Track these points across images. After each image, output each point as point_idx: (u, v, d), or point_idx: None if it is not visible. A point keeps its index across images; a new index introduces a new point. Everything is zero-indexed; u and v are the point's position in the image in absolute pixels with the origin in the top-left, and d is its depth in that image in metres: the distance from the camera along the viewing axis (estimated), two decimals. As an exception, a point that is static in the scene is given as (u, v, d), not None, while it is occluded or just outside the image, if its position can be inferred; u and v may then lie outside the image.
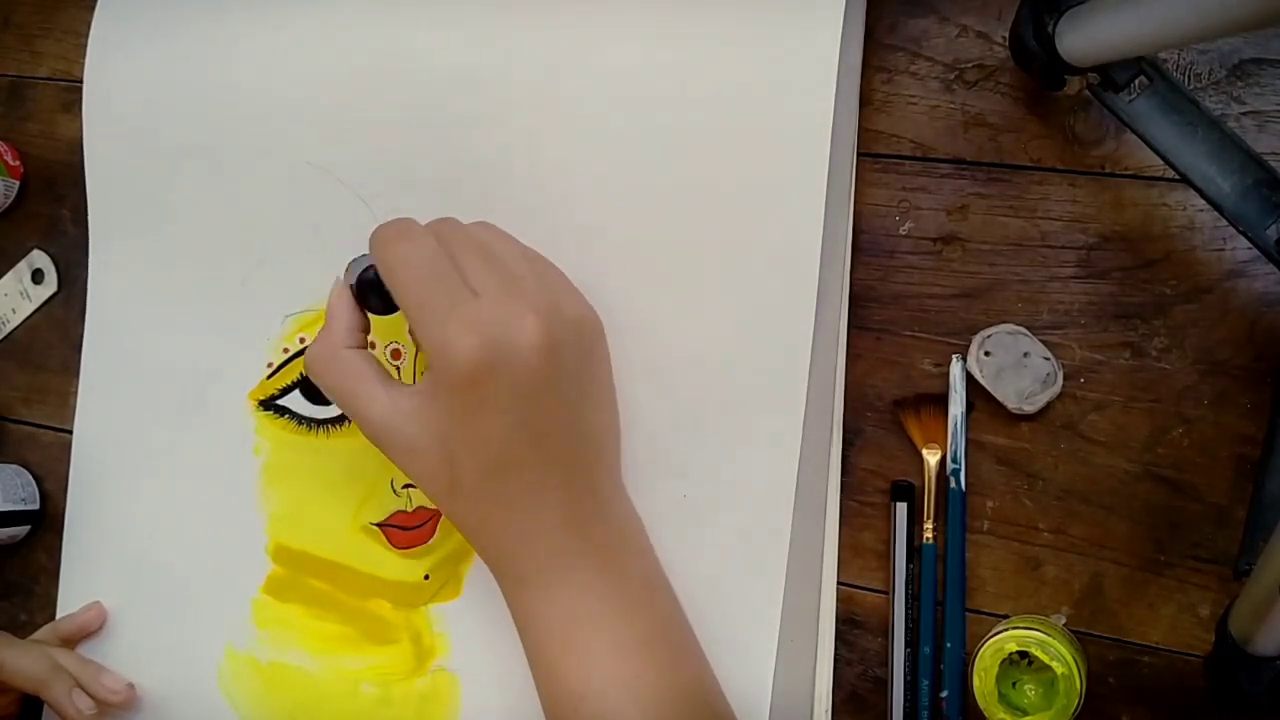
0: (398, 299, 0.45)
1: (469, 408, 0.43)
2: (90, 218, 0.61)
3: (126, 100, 0.59)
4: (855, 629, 0.54)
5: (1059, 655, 0.48)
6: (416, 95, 0.54)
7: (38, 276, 0.65)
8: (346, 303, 0.48)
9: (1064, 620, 0.51)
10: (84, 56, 0.60)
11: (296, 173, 0.56)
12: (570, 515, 0.46)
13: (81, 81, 0.60)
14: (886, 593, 0.53)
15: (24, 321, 0.66)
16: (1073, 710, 0.48)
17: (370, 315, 0.49)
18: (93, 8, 0.61)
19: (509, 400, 0.43)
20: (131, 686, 0.58)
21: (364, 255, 0.48)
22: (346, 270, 0.49)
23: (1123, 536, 0.50)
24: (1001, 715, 0.49)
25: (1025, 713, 0.49)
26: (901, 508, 0.52)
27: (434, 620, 0.55)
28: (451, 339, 0.42)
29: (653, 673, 0.45)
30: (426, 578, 0.55)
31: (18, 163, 0.65)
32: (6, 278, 0.66)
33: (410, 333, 0.44)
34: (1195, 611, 0.50)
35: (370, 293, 0.47)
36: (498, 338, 0.42)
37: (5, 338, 0.67)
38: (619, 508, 0.49)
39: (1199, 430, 0.50)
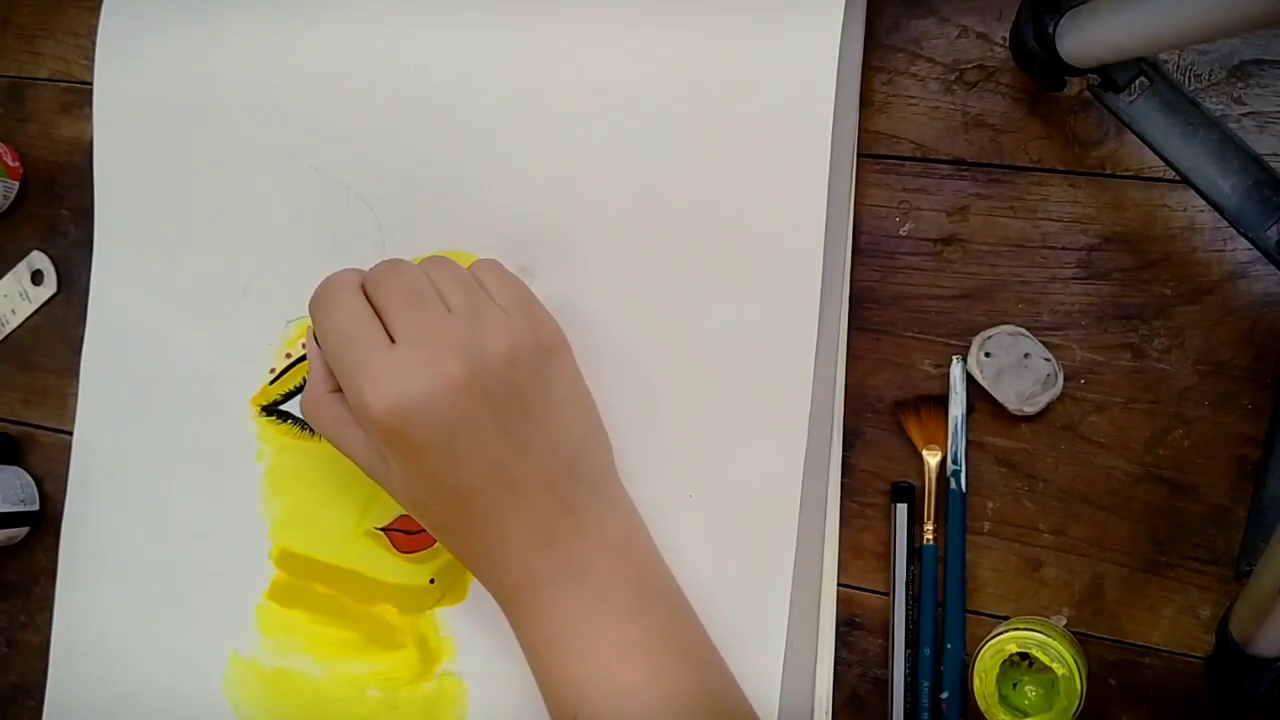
0: (328, 361, 0.47)
1: (403, 455, 0.45)
2: (96, 220, 0.61)
3: (133, 103, 0.59)
4: (855, 630, 0.54)
5: (1059, 656, 0.48)
6: (420, 100, 0.54)
7: (37, 278, 0.65)
8: (317, 349, 0.49)
9: (1065, 621, 0.51)
10: (84, 58, 0.60)
11: (301, 177, 0.56)
12: (544, 537, 0.46)
13: (82, 83, 0.61)
14: (887, 594, 0.53)
15: (23, 323, 0.66)
16: (1073, 711, 0.48)
17: None
18: (94, 9, 0.61)
19: (438, 441, 0.44)
20: None
21: None
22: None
23: (1123, 537, 0.50)
24: (1002, 716, 0.49)
25: (1026, 714, 0.49)
26: (902, 509, 0.52)
27: (440, 624, 0.55)
28: (365, 396, 0.44)
29: (647, 683, 0.45)
30: (432, 582, 0.55)
31: (17, 164, 0.65)
32: (6, 279, 0.66)
33: None
34: (1196, 613, 0.50)
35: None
36: (406, 388, 0.43)
37: (4, 339, 0.66)
38: (609, 518, 0.48)
39: (1199, 431, 0.50)
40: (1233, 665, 0.44)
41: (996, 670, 0.49)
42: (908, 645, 0.52)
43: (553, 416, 0.47)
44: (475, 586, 0.54)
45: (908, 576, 0.52)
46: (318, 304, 0.47)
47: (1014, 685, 0.50)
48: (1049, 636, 0.48)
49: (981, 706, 0.49)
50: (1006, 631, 0.49)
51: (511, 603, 0.47)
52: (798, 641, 0.51)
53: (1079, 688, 0.48)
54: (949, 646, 0.52)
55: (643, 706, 0.44)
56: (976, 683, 0.49)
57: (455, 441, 0.44)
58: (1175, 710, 0.50)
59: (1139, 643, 0.50)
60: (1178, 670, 0.50)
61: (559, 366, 0.48)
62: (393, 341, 0.45)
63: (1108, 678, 0.51)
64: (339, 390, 0.48)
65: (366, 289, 0.47)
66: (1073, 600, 0.51)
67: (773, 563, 0.49)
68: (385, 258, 0.49)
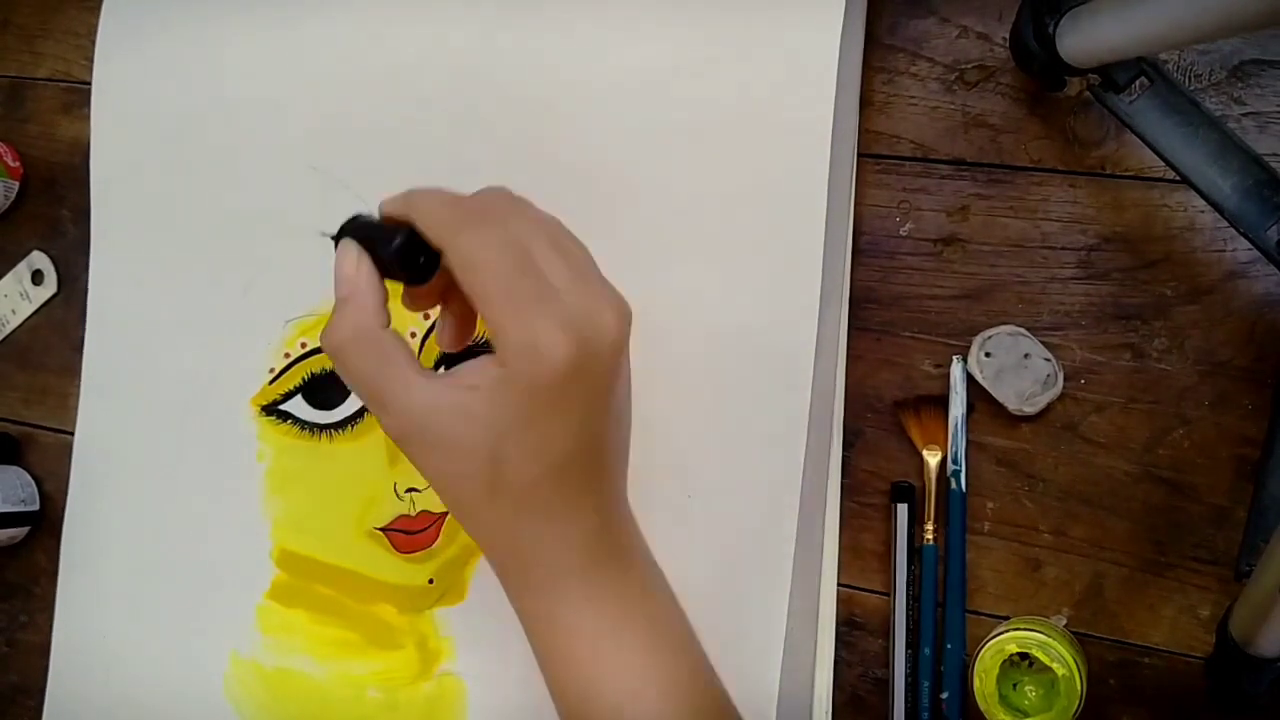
0: (476, 288, 0.40)
1: (545, 408, 0.40)
2: (93, 220, 0.61)
3: (132, 103, 0.59)
4: (855, 630, 0.54)
5: (1060, 656, 0.48)
6: (419, 99, 0.54)
7: (37, 278, 0.65)
8: (370, 275, 0.42)
9: (1064, 621, 0.51)
10: (84, 58, 0.60)
11: (299, 176, 0.56)
12: (603, 522, 0.44)
13: (82, 83, 0.61)
14: (887, 594, 0.53)
15: (24, 322, 0.66)
16: (1073, 711, 0.48)
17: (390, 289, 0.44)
18: (94, 9, 0.61)
19: (585, 401, 0.41)
20: None
21: (359, 217, 0.43)
22: (342, 233, 0.43)
23: (1123, 538, 0.50)
24: (1002, 717, 0.49)
25: (1026, 714, 0.49)
26: (902, 509, 0.52)
27: (439, 624, 0.55)
28: (541, 336, 0.39)
29: (659, 683, 0.45)
30: (431, 582, 0.55)
31: (17, 164, 0.65)
32: (6, 279, 0.66)
33: (487, 324, 0.41)
34: (1196, 613, 0.50)
35: (401, 263, 0.42)
36: (587, 336, 0.40)
37: (5, 339, 0.66)
38: (630, 512, 0.48)
39: (1199, 431, 0.50)
40: (1233, 665, 0.44)
41: (997, 670, 0.49)
42: (908, 645, 0.52)
43: (623, 406, 0.45)
44: (474, 587, 0.54)
45: (909, 576, 0.52)
46: (464, 231, 0.41)
47: (1014, 685, 0.50)
48: (1049, 636, 0.48)
49: (982, 707, 0.49)
50: (1007, 632, 0.49)
51: (536, 590, 0.44)
52: (797, 642, 0.51)
53: (1079, 688, 0.48)
54: (949, 646, 0.52)
55: (658, 708, 0.44)
56: (977, 683, 0.49)
57: (599, 401, 0.41)
58: (1175, 710, 0.50)
59: (1139, 643, 0.50)
60: (1178, 670, 0.50)
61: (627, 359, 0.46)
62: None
63: (1108, 678, 0.51)
64: (388, 325, 0.42)
65: (505, 224, 0.42)
66: (1073, 600, 0.51)
67: (772, 563, 0.49)
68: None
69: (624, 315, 0.41)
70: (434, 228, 0.41)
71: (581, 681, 0.45)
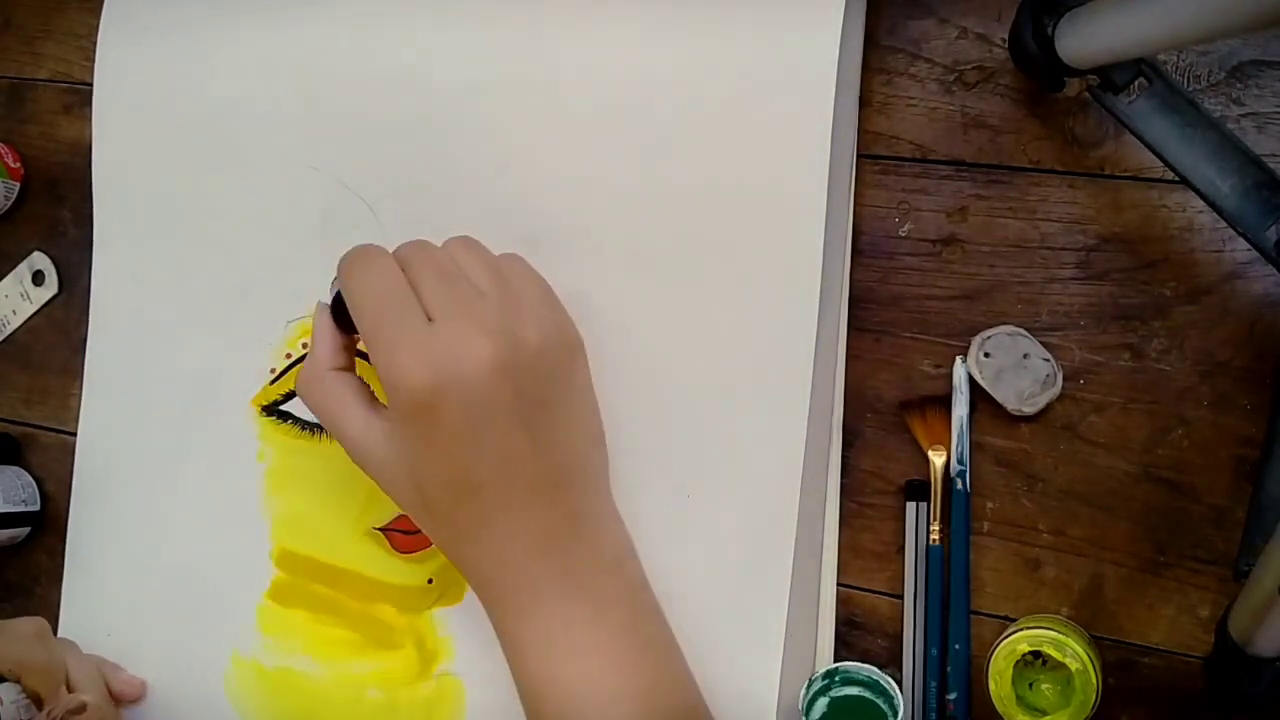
0: (357, 326, 0.45)
1: (427, 434, 0.44)
2: (95, 221, 0.61)
3: (132, 103, 0.59)
4: (855, 630, 0.54)
5: (1073, 652, 0.47)
6: (419, 99, 0.54)
7: (38, 278, 0.65)
8: (327, 324, 0.48)
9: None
10: (85, 59, 0.60)
11: (301, 177, 0.56)
12: (544, 540, 0.45)
13: (82, 84, 0.61)
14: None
15: (24, 323, 0.66)
16: (1090, 705, 0.47)
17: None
18: (94, 10, 0.61)
19: (464, 425, 0.43)
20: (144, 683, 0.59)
21: None
22: (330, 290, 0.49)
23: (1122, 537, 0.51)
24: (1021, 718, 0.48)
25: (1044, 713, 0.48)
26: (916, 507, 0.52)
27: (438, 624, 0.55)
28: (401, 366, 0.43)
29: (630, 698, 0.45)
30: (430, 582, 0.55)
31: (18, 164, 0.65)
32: (7, 280, 0.66)
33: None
34: (1195, 612, 0.50)
35: (334, 316, 0.49)
36: (446, 364, 0.43)
37: (6, 339, 0.67)
38: (604, 528, 0.48)
39: (1199, 431, 0.50)
40: (1232, 665, 0.44)
41: (1010, 671, 0.48)
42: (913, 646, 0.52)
43: (568, 418, 0.47)
44: (473, 587, 0.54)
45: (925, 575, 0.52)
46: (354, 268, 0.46)
47: (1030, 685, 0.50)
48: (1060, 633, 0.48)
49: (1000, 709, 0.48)
50: (1017, 631, 0.49)
51: (500, 603, 0.47)
52: (797, 642, 0.51)
53: (1094, 681, 0.47)
54: (955, 647, 0.51)
55: (631, 715, 0.44)
56: (992, 685, 0.49)
57: (480, 427, 0.43)
58: (1174, 710, 0.50)
59: (1138, 642, 0.51)
60: (1177, 670, 0.50)
61: (578, 368, 0.48)
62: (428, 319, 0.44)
63: (1107, 677, 0.51)
64: (343, 369, 0.48)
65: (396, 263, 0.46)
66: (1072, 600, 0.51)
67: (772, 562, 0.49)
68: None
69: (502, 343, 0.43)
70: (338, 274, 0.47)
71: (529, 699, 0.46)
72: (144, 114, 0.59)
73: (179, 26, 0.59)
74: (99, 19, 0.60)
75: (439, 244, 0.48)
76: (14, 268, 0.66)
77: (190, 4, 0.59)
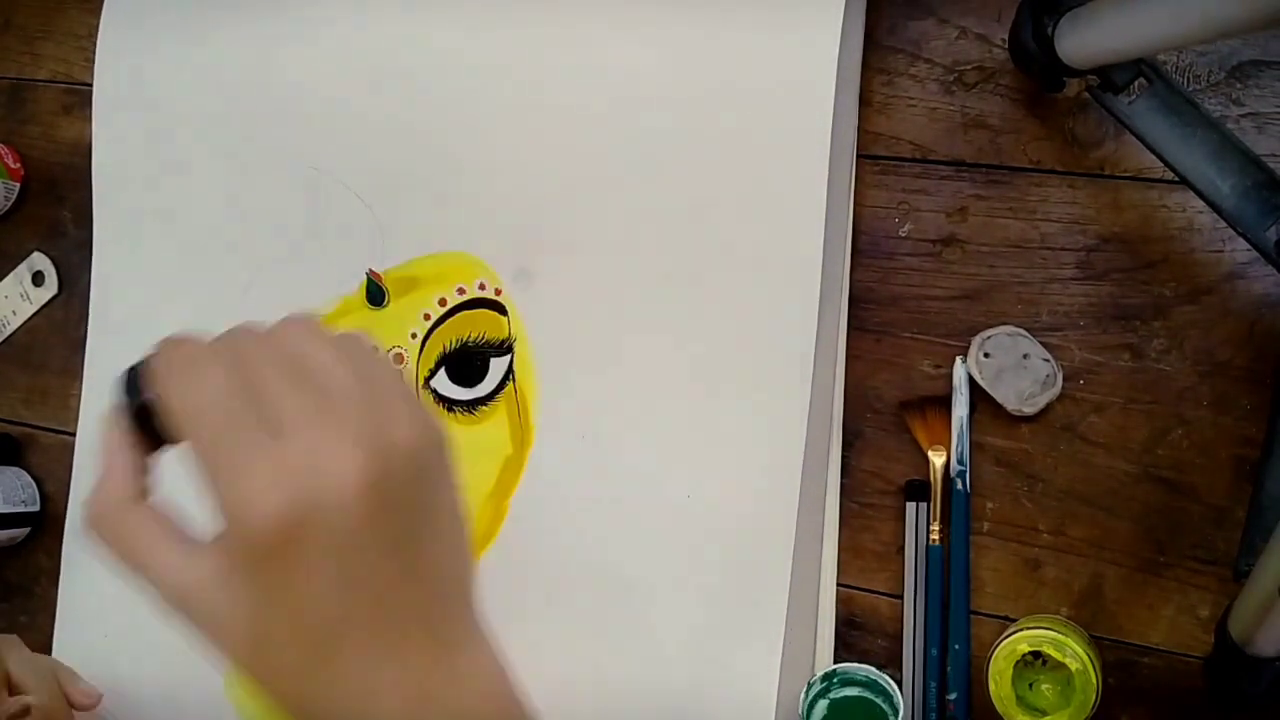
0: (192, 446, 0.35)
1: (279, 576, 0.34)
2: (95, 221, 0.61)
3: (132, 103, 0.60)
4: (855, 630, 0.54)
5: (1073, 652, 0.47)
6: (419, 100, 0.54)
7: (38, 279, 0.65)
8: (121, 442, 0.38)
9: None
10: (85, 59, 0.60)
11: (300, 177, 0.56)
12: (418, 689, 0.36)
13: (83, 84, 0.61)
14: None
15: (24, 323, 0.66)
16: (1090, 705, 0.47)
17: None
18: (94, 10, 0.61)
19: (329, 559, 0.34)
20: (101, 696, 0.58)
21: (134, 368, 0.38)
22: (119, 387, 0.38)
23: (1122, 538, 0.51)
24: (1022, 718, 0.48)
25: (1044, 713, 0.48)
26: (916, 507, 0.52)
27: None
28: (249, 497, 0.33)
29: None
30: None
31: (18, 165, 0.65)
32: (7, 280, 0.66)
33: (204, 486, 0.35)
34: (1195, 612, 0.50)
35: (140, 428, 0.38)
36: (307, 486, 0.33)
37: (5, 340, 0.67)
38: (482, 659, 0.39)
39: (1198, 431, 0.50)
40: (1232, 665, 0.44)
41: (1010, 672, 0.48)
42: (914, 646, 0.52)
43: (439, 533, 0.38)
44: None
45: (925, 575, 0.52)
46: (175, 372, 0.36)
47: (1030, 685, 0.50)
48: (1060, 633, 0.48)
49: (1000, 709, 0.48)
50: (1017, 632, 0.49)
51: None
52: (797, 642, 0.51)
53: (1094, 681, 0.47)
54: (955, 647, 0.51)
55: None
56: (992, 686, 0.49)
57: (347, 563, 0.34)
58: (1174, 710, 0.50)
59: (1138, 642, 0.51)
60: (1177, 670, 0.50)
61: (448, 465, 0.38)
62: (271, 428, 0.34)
63: (1107, 677, 0.51)
64: (139, 495, 0.38)
65: (228, 361, 0.36)
66: (1072, 600, 0.51)
67: (771, 562, 0.49)
68: (385, 258, 0.49)
69: (374, 449, 0.34)
70: (153, 382, 0.37)
71: None
72: (144, 114, 0.59)
73: (179, 26, 0.59)
74: (99, 19, 0.60)
75: (266, 326, 0.39)
76: (14, 268, 0.66)
77: (190, 4, 0.59)
